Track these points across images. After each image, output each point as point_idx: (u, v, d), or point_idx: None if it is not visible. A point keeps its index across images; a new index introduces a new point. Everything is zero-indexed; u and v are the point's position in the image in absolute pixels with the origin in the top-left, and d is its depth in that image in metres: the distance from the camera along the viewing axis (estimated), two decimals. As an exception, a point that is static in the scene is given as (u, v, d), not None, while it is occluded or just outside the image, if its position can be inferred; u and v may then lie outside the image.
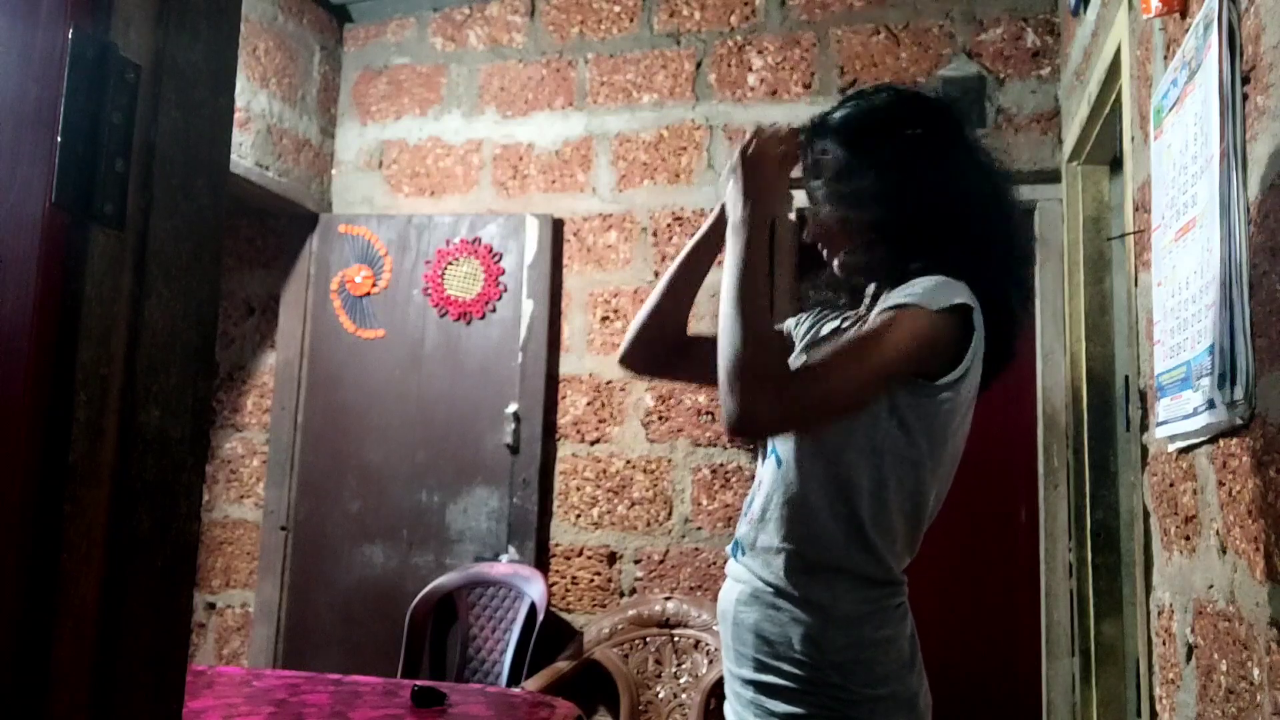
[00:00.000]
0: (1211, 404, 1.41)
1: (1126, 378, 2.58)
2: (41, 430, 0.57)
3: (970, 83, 3.18)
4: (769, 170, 1.25)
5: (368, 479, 3.39)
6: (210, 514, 3.59)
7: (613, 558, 3.27)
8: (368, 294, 3.50)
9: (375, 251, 3.52)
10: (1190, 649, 1.64)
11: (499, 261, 3.43)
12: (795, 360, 1.38)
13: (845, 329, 1.32)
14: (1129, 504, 2.61)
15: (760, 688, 1.21)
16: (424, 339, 3.45)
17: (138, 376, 0.62)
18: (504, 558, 3.27)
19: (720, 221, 1.39)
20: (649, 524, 3.26)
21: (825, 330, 1.39)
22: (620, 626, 3.13)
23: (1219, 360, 1.37)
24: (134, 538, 0.61)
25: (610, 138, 3.48)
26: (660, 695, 3.04)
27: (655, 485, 3.27)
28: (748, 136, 1.28)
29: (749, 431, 1.20)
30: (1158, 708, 1.89)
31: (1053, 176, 3.09)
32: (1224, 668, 1.45)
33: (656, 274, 3.31)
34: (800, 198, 1.37)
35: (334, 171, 3.74)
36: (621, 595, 3.25)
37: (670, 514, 3.25)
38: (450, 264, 3.46)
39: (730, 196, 1.26)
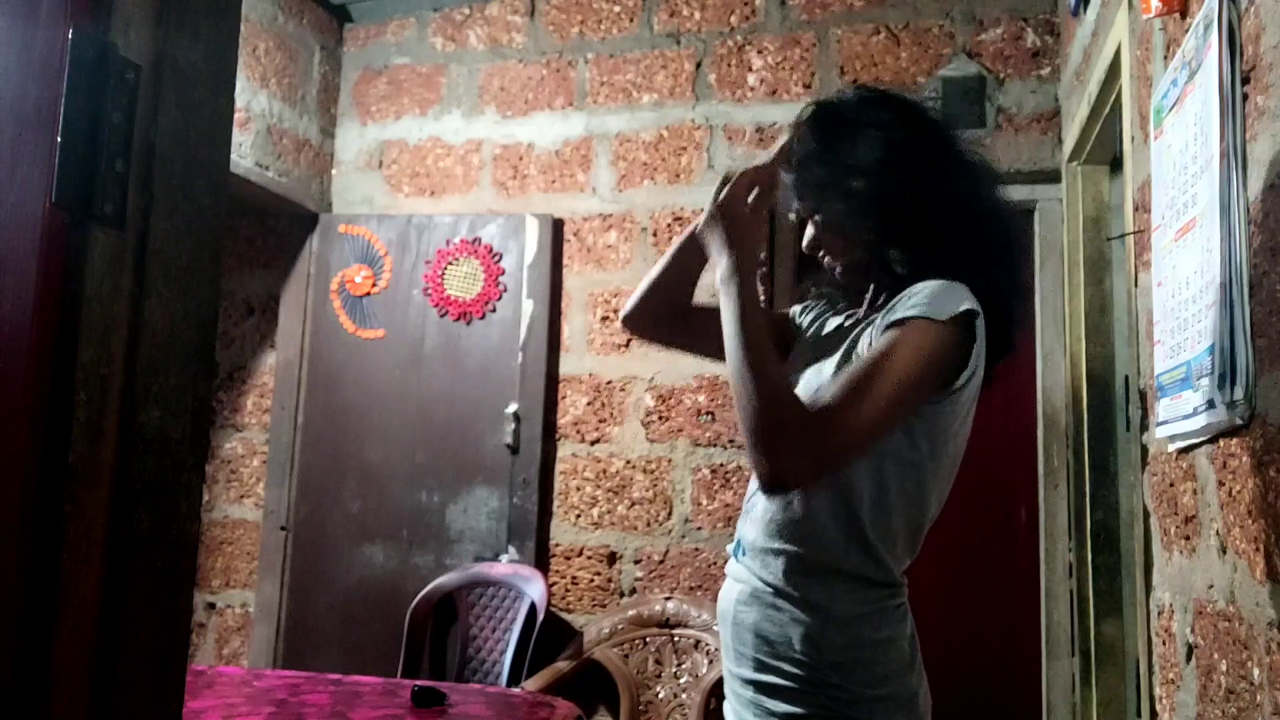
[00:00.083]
0: (1211, 404, 1.41)
1: (1126, 378, 2.58)
2: (41, 430, 0.57)
3: (970, 83, 3.18)
4: (746, 217, 1.23)
5: (368, 479, 3.39)
6: (210, 514, 3.59)
7: (613, 558, 3.27)
8: (368, 294, 3.50)
9: (375, 251, 3.52)
10: (1190, 649, 1.64)
11: (499, 261, 3.43)
12: (801, 355, 1.38)
13: (847, 328, 1.32)
14: (1129, 504, 2.61)
15: (760, 687, 1.21)
16: (424, 339, 3.45)
17: (138, 376, 0.62)
18: (504, 558, 3.27)
19: (775, 159, 1.39)
20: (649, 524, 3.26)
21: (828, 328, 1.39)
22: (620, 626, 3.13)
23: (1219, 360, 1.37)
24: (134, 538, 0.61)
25: (610, 138, 3.48)
26: (660, 695, 3.04)
27: (655, 485, 3.27)
28: (719, 183, 1.26)
29: (787, 489, 1.16)
30: (1158, 708, 1.89)
31: (1053, 176, 3.10)
32: (1224, 668, 1.45)
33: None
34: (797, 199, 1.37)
35: (334, 171, 3.74)
36: (621, 595, 3.25)
37: (670, 514, 3.25)
38: (450, 264, 3.46)
39: (713, 250, 1.24)
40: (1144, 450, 2.02)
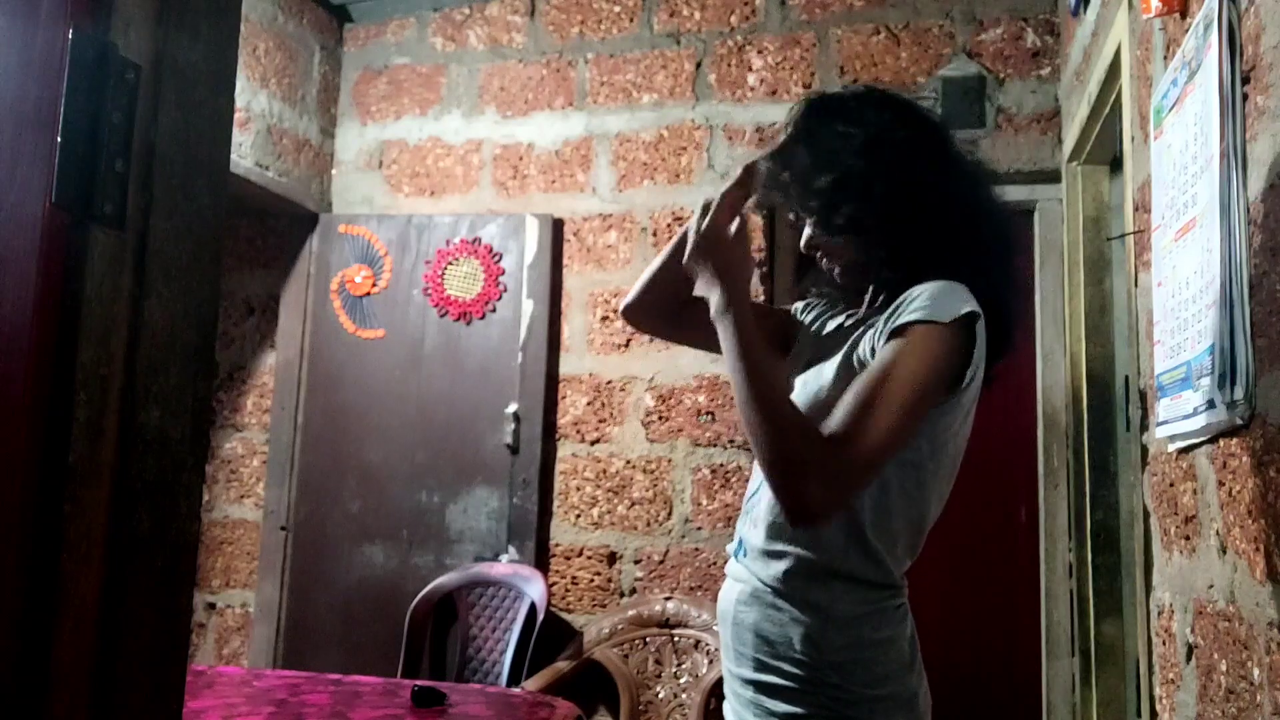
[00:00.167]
0: (1211, 404, 1.41)
1: (1126, 378, 2.58)
2: (41, 430, 0.57)
3: (970, 83, 3.18)
4: (730, 245, 1.20)
5: (368, 479, 3.39)
6: (210, 514, 3.59)
7: (613, 558, 3.27)
8: (368, 294, 3.50)
9: (375, 251, 3.52)
10: (1190, 649, 1.64)
11: (499, 261, 3.43)
12: (800, 355, 1.38)
13: (847, 328, 1.32)
14: (1129, 504, 2.61)
15: (760, 687, 1.21)
16: (424, 339, 3.45)
17: (138, 376, 0.62)
18: (504, 558, 3.27)
19: (745, 177, 1.38)
20: (649, 524, 3.26)
21: (829, 328, 1.38)
22: (620, 626, 3.13)
23: (1219, 360, 1.37)
24: (134, 538, 0.61)
25: (610, 138, 3.48)
26: (660, 695, 3.04)
27: (655, 485, 3.27)
28: (698, 213, 1.23)
29: (815, 520, 1.13)
30: (1158, 708, 1.89)
31: (1053, 176, 3.10)
32: (1224, 668, 1.45)
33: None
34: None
35: (334, 171, 3.74)
36: (621, 595, 3.25)
37: (670, 514, 3.25)
38: (450, 264, 3.46)
39: (701, 283, 1.21)
40: (1144, 450, 2.02)
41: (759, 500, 1.28)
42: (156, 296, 0.63)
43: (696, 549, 3.21)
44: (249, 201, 3.47)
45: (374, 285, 3.50)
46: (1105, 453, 2.75)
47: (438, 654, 3.21)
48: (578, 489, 3.33)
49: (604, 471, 3.31)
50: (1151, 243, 1.83)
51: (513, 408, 3.33)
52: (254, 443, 3.61)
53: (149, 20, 0.63)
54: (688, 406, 3.28)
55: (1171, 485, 1.78)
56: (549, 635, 3.11)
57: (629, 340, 3.33)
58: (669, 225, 3.37)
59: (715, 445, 3.24)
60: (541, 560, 3.29)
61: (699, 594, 3.16)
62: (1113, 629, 2.66)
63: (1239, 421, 1.33)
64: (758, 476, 1.31)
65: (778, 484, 1.09)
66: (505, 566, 3.23)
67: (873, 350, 1.18)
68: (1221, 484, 1.47)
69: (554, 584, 3.27)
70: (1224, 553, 1.46)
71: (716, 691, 2.84)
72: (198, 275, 0.67)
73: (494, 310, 3.41)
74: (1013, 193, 3.10)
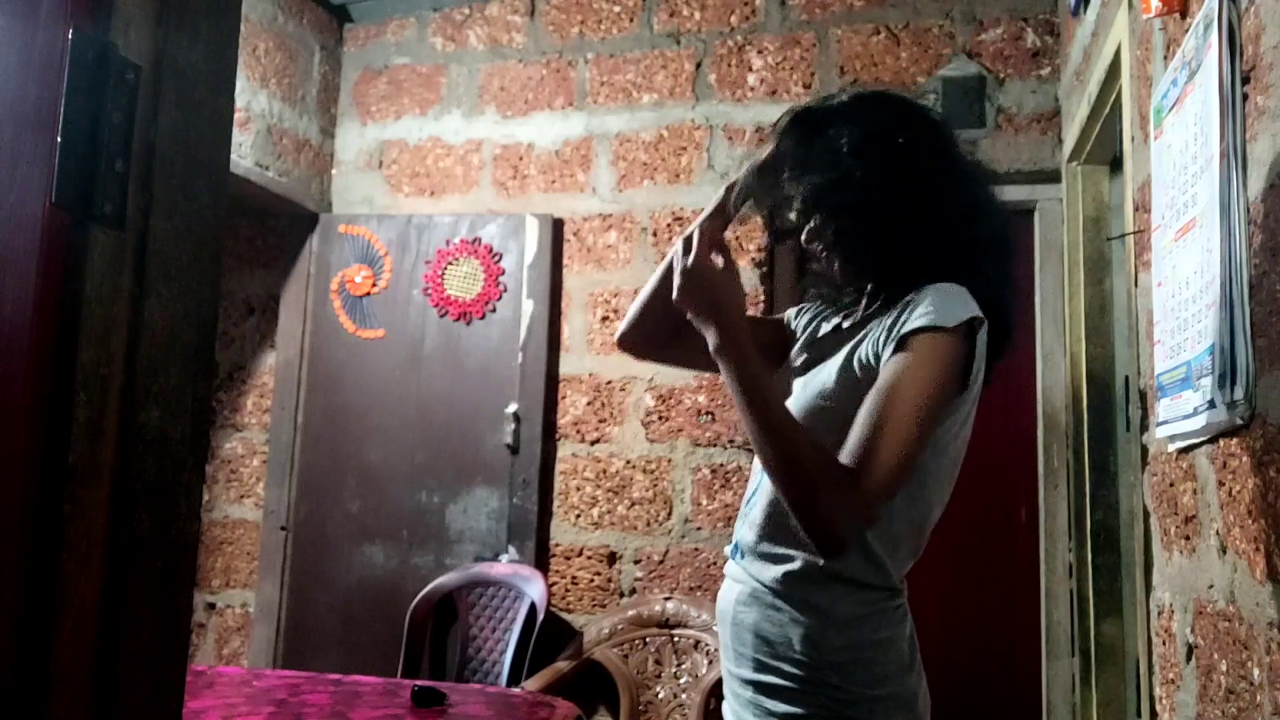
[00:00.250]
0: (1212, 404, 1.41)
1: (1126, 378, 2.58)
2: (41, 430, 0.57)
3: (970, 83, 3.18)
4: (717, 278, 1.18)
5: (368, 479, 3.39)
6: (210, 514, 3.59)
7: (613, 558, 3.27)
8: (368, 294, 3.50)
9: (375, 251, 3.52)
10: (1190, 649, 1.64)
11: (499, 261, 3.43)
12: (797, 358, 1.38)
13: (846, 330, 1.31)
14: (1129, 504, 2.61)
15: (759, 688, 1.21)
16: (424, 339, 3.45)
17: (138, 376, 0.62)
18: (504, 558, 3.27)
19: (722, 204, 1.38)
20: (649, 524, 3.26)
21: (824, 330, 1.38)
22: (620, 626, 3.13)
23: (1219, 360, 1.37)
24: (134, 538, 0.61)
25: (610, 138, 3.48)
26: (660, 695, 3.04)
27: (655, 485, 3.27)
28: (680, 248, 1.21)
29: (844, 551, 1.13)
30: (1158, 708, 1.89)
31: (1053, 176, 3.10)
32: (1224, 668, 1.45)
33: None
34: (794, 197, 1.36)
35: (334, 171, 3.74)
36: (621, 595, 3.25)
37: (670, 514, 3.25)
38: (450, 264, 3.46)
39: (695, 321, 1.20)
40: (1144, 450, 2.02)
41: (757, 502, 1.28)
42: (156, 296, 0.63)
43: (696, 549, 3.21)
44: (249, 201, 3.47)
45: (374, 285, 3.50)
46: (1105, 453, 2.75)
47: (438, 654, 3.21)
48: (578, 489, 3.33)
49: (604, 471, 3.31)
50: (1151, 243, 1.83)
51: (513, 408, 3.33)
52: (254, 443, 3.61)
53: (149, 20, 0.63)
54: (688, 406, 3.28)
55: (1171, 485, 1.78)
56: (549, 635, 3.11)
57: (629, 340, 3.33)
58: (669, 225, 3.37)
59: (715, 445, 3.24)
60: (541, 560, 3.29)
61: (699, 594, 3.16)
62: (1113, 629, 2.66)
63: (1239, 421, 1.33)
64: (756, 477, 1.31)
65: (805, 522, 1.09)
66: (505, 566, 3.23)
67: (876, 355, 1.18)
68: (1221, 484, 1.47)
69: (554, 584, 3.28)
70: (1224, 553, 1.46)
71: (716, 692, 2.84)
72: (198, 275, 0.67)
73: (494, 310, 3.41)
74: (1013, 193, 3.10)
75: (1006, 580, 3.11)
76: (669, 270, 1.33)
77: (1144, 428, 2.01)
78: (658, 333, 1.45)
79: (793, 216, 1.32)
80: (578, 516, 3.31)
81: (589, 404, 3.35)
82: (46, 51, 0.60)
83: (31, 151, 0.59)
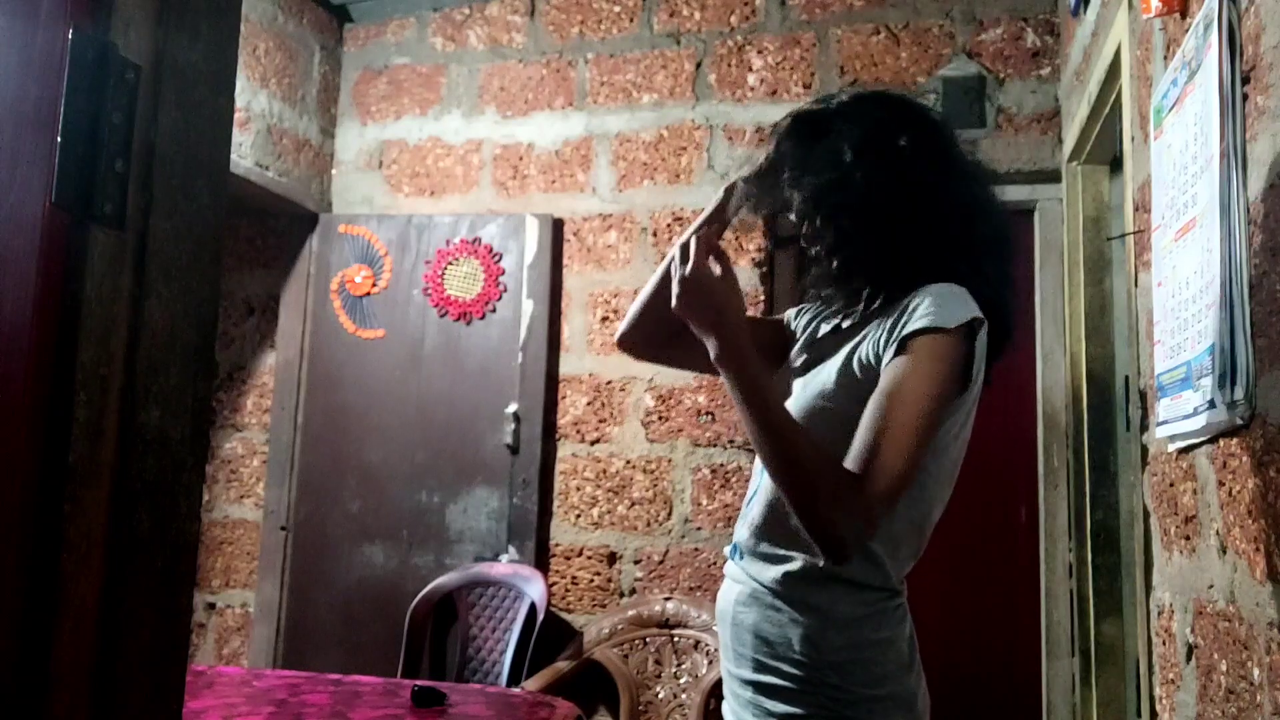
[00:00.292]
0: (1212, 404, 1.41)
1: (1126, 378, 2.58)
2: (41, 430, 0.57)
3: (970, 83, 3.18)
4: (715, 287, 1.18)
5: (368, 479, 3.39)
6: (210, 514, 3.59)
7: (613, 558, 3.27)
8: (368, 294, 3.50)
9: (375, 251, 3.52)
10: (1190, 649, 1.64)
11: (499, 261, 3.43)
12: (797, 358, 1.38)
13: (845, 330, 1.31)
14: (1129, 504, 2.61)
15: (759, 688, 1.21)
16: (424, 339, 3.45)
17: (138, 376, 0.62)
18: (504, 558, 3.27)
19: (720, 207, 1.39)
20: (649, 524, 3.26)
21: (823, 330, 1.37)
22: (620, 626, 3.13)
23: (1219, 360, 1.37)
24: (134, 538, 0.61)
25: (610, 138, 3.48)
26: (660, 695, 3.04)
27: (655, 485, 3.27)
28: (677, 256, 1.20)
29: (851, 557, 1.12)
30: (1158, 708, 1.89)
31: (1053, 176, 3.10)
32: (1224, 668, 1.45)
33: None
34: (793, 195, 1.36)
35: (334, 171, 3.74)
36: (621, 595, 3.25)
37: (670, 514, 3.25)
38: (450, 264, 3.46)
39: (695, 330, 1.19)
40: (1144, 450, 2.02)
41: (757, 502, 1.28)
42: (156, 296, 0.63)
43: (696, 549, 3.21)
44: (249, 201, 3.47)
45: (374, 285, 3.50)
46: (1105, 453, 2.75)
47: (438, 654, 3.21)
48: (578, 489, 3.33)
49: (604, 471, 3.31)
50: (1151, 243, 1.83)
51: (513, 408, 3.33)
52: (254, 443, 3.61)
53: (149, 20, 0.63)
54: (688, 406, 3.28)
55: (1171, 485, 1.78)
56: (549, 635, 3.11)
57: (629, 340, 3.33)
58: (669, 225, 3.37)
59: (715, 445, 3.24)
60: (541, 560, 3.29)
61: (699, 594, 3.16)
62: (1113, 629, 2.66)
63: (1239, 421, 1.33)
64: (757, 478, 1.31)
65: (814, 530, 1.09)
66: (505, 566, 3.23)
67: (876, 356, 1.18)
68: (1221, 484, 1.47)
69: (554, 584, 3.28)
70: (1224, 553, 1.46)
71: (716, 692, 2.84)
72: (198, 275, 0.67)
73: (494, 310, 3.41)
74: (1013, 193, 3.10)
75: (1006, 580, 3.11)
76: (669, 271, 1.32)
77: (1144, 428, 2.01)
78: (658, 333, 1.45)
79: (792, 218, 1.33)
80: (578, 516, 3.31)
81: (589, 404, 3.35)
82: (46, 51, 0.60)
83: (31, 151, 0.59)
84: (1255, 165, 1.32)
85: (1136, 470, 2.11)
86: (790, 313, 1.48)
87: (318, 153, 3.65)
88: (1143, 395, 2.02)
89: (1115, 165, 2.76)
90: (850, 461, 1.10)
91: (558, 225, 3.46)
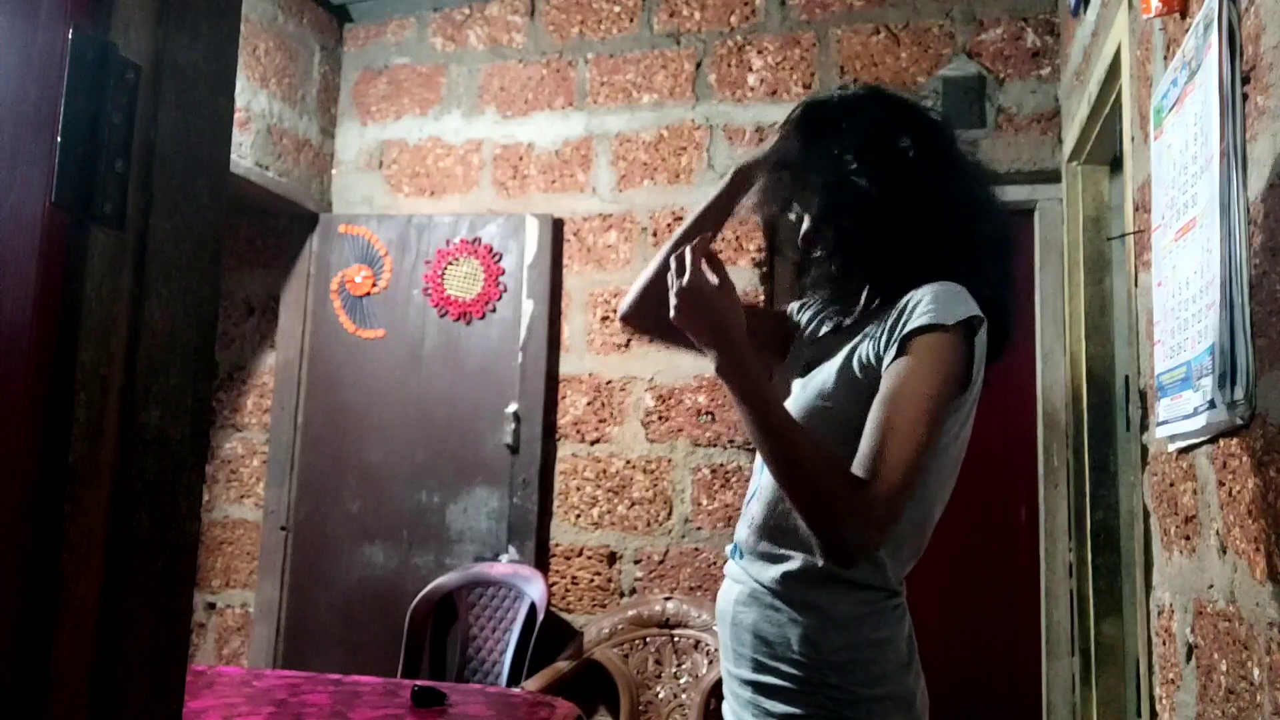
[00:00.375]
0: (1212, 404, 1.41)
1: (1126, 378, 2.58)
2: (41, 430, 0.57)
3: (970, 83, 3.18)
4: (712, 299, 1.16)
5: (368, 479, 3.39)
6: (210, 514, 3.59)
7: (613, 558, 3.27)
8: (368, 294, 3.50)
9: (375, 251, 3.52)
10: (1190, 649, 1.64)
11: (499, 261, 3.43)
12: (797, 357, 1.38)
13: (845, 329, 1.31)
14: (1129, 504, 2.61)
15: (758, 688, 1.21)
16: (424, 339, 3.45)
17: (138, 376, 0.62)
18: (504, 558, 3.27)
19: (728, 193, 1.39)
20: (649, 524, 3.26)
21: (825, 329, 1.38)
22: (620, 626, 3.13)
23: (1219, 360, 1.37)
24: (134, 538, 0.61)
25: (610, 138, 3.48)
26: (660, 695, 3.04)
27: (655, 485, 3.27)
28: (674, 265, 1.19)
29: (859, 561, 1.12)
30: (1158, 708, 1.89)
31: (1053, 176, 3.10)
32: (1224, 668, 1.45)
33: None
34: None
35: (334, 171, 3.74)
36: (621, 595, 3.25)
37: (670, 514, 3.25)
38: (450, 264, 3.46)
39: (694, 339, 1.19)
40: (1144, 450, 2.02)
41: (757, 502, 1.28)
42: (156, 296, 0.63)
43: (696, 549, 3.21)
44: (249, 201, 3.47)
45: (374, 285, 3.50)
46: (1105, 453, 2.75)
47: (438, 654, 3.21)
48: (578, 489, 3.33)
49: (604, 471, 3.31)
50: (1151, 243, 1.83)
51: (513, 408, 3.33)
52: (254, 443, 3.61)
53: (149, 20, 0.63)
54: (688, 406, 3.28)
55: (1171, 485, 1.78)
56: (549, 635, 3.11)
57: (629, 340, 3.34)
58: (669, 225, 3.37)
59: (715, 445, 3.24)
60: (541, 560, 3.29)
61: (699, 594, 3.16)
62: (1113, 629, 2.66)
63: (1239, 421, 1.33)
64: (757, 478, 1.31)
65: (823, 538, 1.08)
66: (505, 566, 3.23)
67: (877, 356, 1.18)
68: (1221, 484, 1.47)
69: (554, 584, 3.27)
70: (1224, 553, 1.46)
71: (716, 692, 2.84)
72: (198, 275, 0.67)
73: (494, 310, 3.41)
74: (1013, 193, 3.10)
75: (1006, 580, 3.11)
76: (681, 240, 1.36)
77: (1144, 427, 2.01)
78: (660, 312, 1.45)
79: (793, 217, 1.33)
80: (578, 516, 3.31)
81: (589, 404, 3.35)
82: (46, 51, 0.60)
83: (31, 151, 0.59)
84: (1255, 165, 1.32)
85: (1136, 470, 2.11)
86: (794, 305, 1.48)
87: (318, 153, 3.65)
88: (1143, 395, 2.02)
89: (1115, 165, 2.76)
90: (858, 467, 1.10)
91: (558, 225, 3.46)
